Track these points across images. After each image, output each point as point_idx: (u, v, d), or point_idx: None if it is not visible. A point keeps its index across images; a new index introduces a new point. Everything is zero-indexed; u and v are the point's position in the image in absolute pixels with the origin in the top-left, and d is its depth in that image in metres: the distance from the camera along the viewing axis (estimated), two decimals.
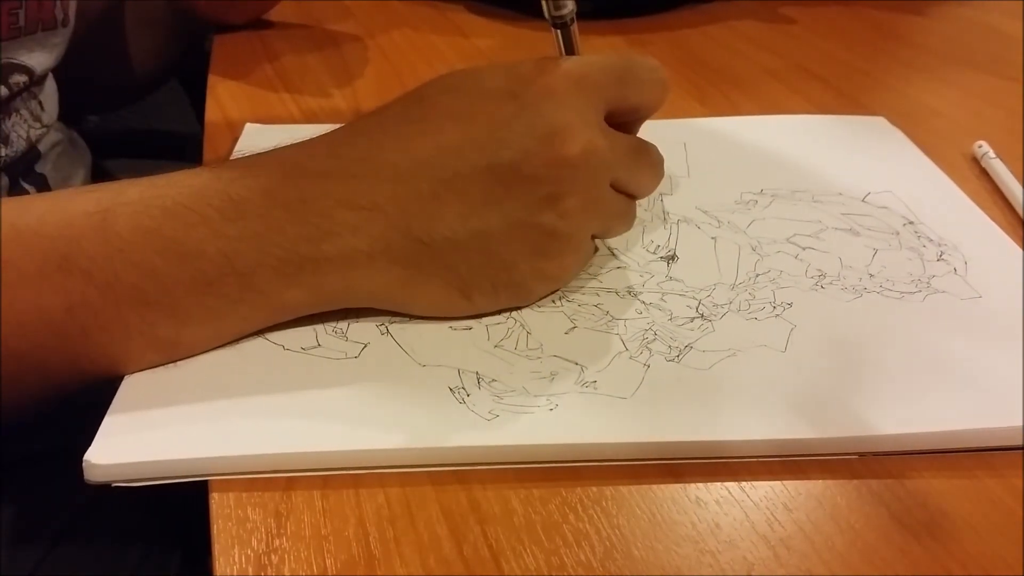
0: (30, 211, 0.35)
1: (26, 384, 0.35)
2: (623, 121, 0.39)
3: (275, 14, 0.71)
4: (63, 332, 0.34)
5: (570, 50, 0.40)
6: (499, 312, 0.38)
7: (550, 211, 0.36)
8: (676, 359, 0.36)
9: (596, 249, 0.43)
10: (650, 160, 0.40)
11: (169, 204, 0.34)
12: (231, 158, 0.40)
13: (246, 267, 0.34)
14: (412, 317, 0.38)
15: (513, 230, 0.36)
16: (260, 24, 0.70)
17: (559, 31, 0.40)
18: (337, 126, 0.39)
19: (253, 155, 0.37)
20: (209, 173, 0.36)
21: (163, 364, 0.35)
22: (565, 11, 0.39)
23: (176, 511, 0.42)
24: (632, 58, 0.39)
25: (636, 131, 0.41)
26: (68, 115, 0.60)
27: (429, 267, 0.36)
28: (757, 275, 0.41)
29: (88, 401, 0.35)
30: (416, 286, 0.37)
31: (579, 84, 0.37)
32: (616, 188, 0.39)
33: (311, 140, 0.38)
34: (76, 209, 0.35)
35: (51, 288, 0.33)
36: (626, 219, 0.41)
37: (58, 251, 0.33)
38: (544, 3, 0.39)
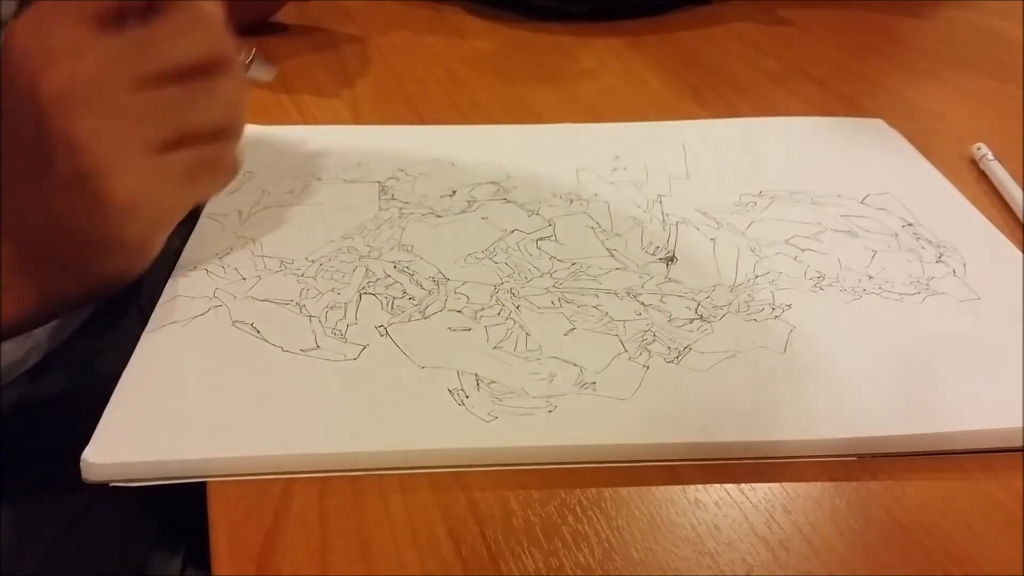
0: None
1: None
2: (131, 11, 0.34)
3: (275, 16, 0.71)
4: None
5: None
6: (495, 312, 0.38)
7: (75, 152, 0.32)
8: (675, 360, 0.36)
9: (221, 150, 0.37)
10: (176, 29, 0.34)
11: None
12: None
13: None
14: (411, 318, 0.38)
15: (58, 190, 0.33)
16: (259, 26, 0.70)
17: None
18: (338, 127, 0.38)
19: None
20: None
21: None
22: None
23: (180, 509, 0.42)
24: None
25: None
26: None
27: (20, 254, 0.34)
28: (756, 276, 0.41)
29: (87, 400, 0.35)
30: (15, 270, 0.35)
31: (42, 10, 0.33)
32: (155, 81, 0.34)
33: None
34: None
35: None
36: (204, 101, 0.35)
37: None
38: None
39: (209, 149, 0.36)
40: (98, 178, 0.33)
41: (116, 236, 0.34)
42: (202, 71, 0.35)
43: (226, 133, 0.36)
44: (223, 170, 0.37)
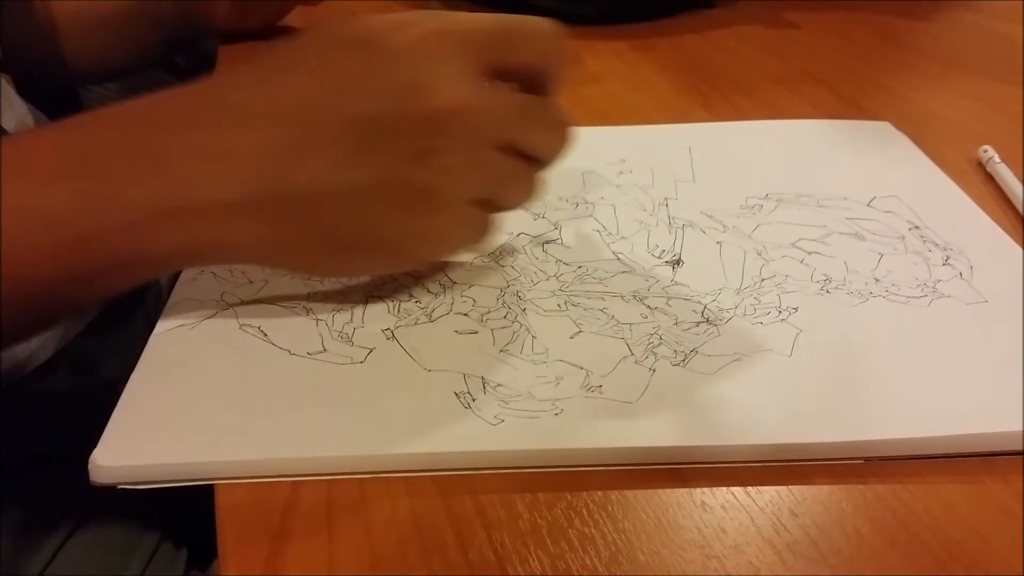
0: None
1: None
2: (524, 82, 0.37)
3: (282, 20, 0.71)
4: None
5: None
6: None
7: (420, 167, 0.34)
8: (682, 364, 0.36)
9: (492, 222, 0.39)
10: (544, 120, 0.37)
11: (26, 167, 0.33)
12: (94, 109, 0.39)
13: (107, 227, 0.33)
14: (417, 322, 0.38)
15: (382, 185, 0.34)
16: (267, 30, 0.70)
17: None
18: None
19: (111, 107, 0.35)
20: (66, 131, 0.35)
21: (55, 326, 0.35)
22: None
23: (184, 510, 0.42)
24: (519, 20, 0.36)
25: (547, 93, 0.38)
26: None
27: (294, 221, 0.35)
28: (762, 280, 0.41)
29: (92, 402, 0.35)
30: (285, 242, 0.35)
31: (445, 38, 0.34)
32: (509, 150, 0.36)
33: (172, 89, 0.35)
34: None
35: None
36: (522, 185, 0.38)
37: None
38: None
39: (529, 168, 0.38)
40: (426, 206, 0.35)
41: (399, 254, 0.37)
42: (535, 160, 0.37)
43: (547, 156, 0.38)
44: (528, 191, 0.39)
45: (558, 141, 0.38)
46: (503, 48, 0.36)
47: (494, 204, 0.38)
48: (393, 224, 0.35)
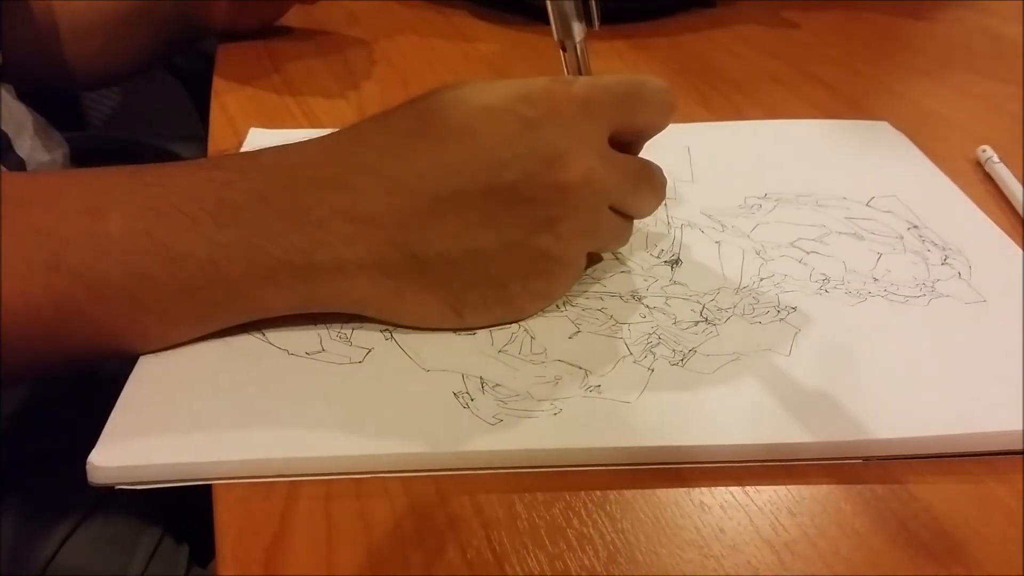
0: (22, 203, 0.34)
1: (10, 367, 0.35)
2: (627, 141, 0.39)
3: (280, 19, 0.72)
4: (49, 325, 0.34)
5: (578, 70, 0.40)
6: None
7: (547, 234, 0.36)
8: (680, 363, 0.36)
9: (599, 259, 0.42)
10: (651, 183, 0.40)
11: (160, 205, 0.34)
12: (226, 154, 0.40)
13: (235, 274, 0.35)
14: None
15: (508, 251, 0.36)
16: (265, 29, 0.70)
17: (567, 52, 0.40)
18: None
19: (249, 154, 0.37)
20: (203, 173, 0.36)
21: (150, 353, 0.36)
22: (575, 35, 0.39)
23: (185, 508, 0.42)
24: (640, 81, 0.38)
25: (639, 150, 0.40)
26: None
27: (421, 281, 0.36)
28: (761, 279, 0.41)
29: (95, 400, 0.35)
30: (406, 299, 0.37)
31: (585, 107, 0.36)
32: (614, 210, 0.38)
33: (310, 144, 0.37)
34: (67, 206, 0.34)
35: (39, 284, 0.33)
36: (622, 238, 0.40)
37: (48, 248, 0.33)
38: (553, 28, 0.39)
39: (629, 222, 0.41)
40: (545, 269, 0.37)
41: (512, 310, 0.38)
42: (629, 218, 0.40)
43: (645, 214, 0.41)
44: (624, 242, 0.41)
45: (657, 201, 0.40)
46: (629, 113, 0.38)
47: (594, 252, 0.41)
48: (511, 285, 0.37)
